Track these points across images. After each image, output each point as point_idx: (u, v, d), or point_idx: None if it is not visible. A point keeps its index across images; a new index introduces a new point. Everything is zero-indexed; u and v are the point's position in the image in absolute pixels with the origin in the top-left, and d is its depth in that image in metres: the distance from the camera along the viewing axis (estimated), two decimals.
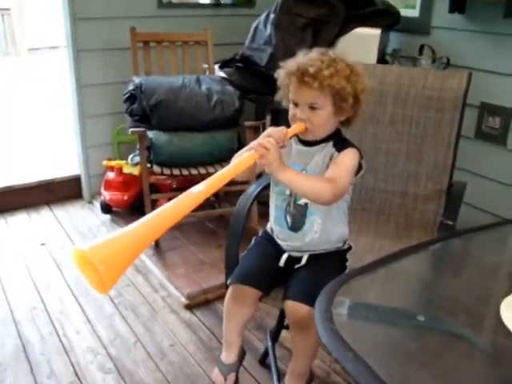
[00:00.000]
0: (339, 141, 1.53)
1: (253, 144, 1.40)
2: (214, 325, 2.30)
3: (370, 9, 3.02)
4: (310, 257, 1.58)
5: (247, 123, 2.90)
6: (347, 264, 1.60)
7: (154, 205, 3.21)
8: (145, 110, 2.80)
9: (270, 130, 1.44)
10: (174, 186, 3.26)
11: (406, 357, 0.91)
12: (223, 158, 2.78)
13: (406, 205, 1.92)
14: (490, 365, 0.93)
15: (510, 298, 1.06)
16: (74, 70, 3.23)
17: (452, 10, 2.82)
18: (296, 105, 1.48)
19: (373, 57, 2.88)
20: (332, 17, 2.93)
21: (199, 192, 1.23)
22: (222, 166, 2.80)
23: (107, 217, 3.29)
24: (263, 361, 2.08)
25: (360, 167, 1.53)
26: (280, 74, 1.51)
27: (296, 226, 1.56)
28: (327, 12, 2.92)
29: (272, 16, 2.96)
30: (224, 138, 2.86)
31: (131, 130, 2.74)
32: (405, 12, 3.14)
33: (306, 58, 1.48)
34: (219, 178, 1.30)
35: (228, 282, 1.62)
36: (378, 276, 1.15)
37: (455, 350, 0.93)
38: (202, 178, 2.90)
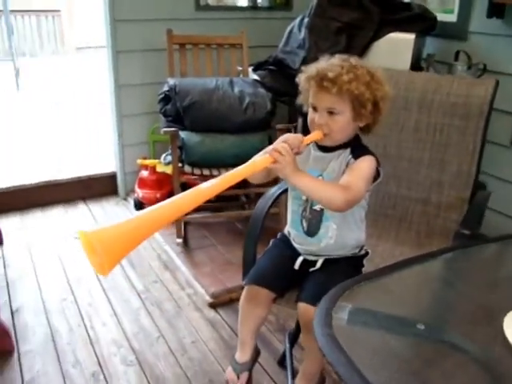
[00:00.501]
0: (356, 148, 1.53)
1: (268, 148, 1.43)
2: (236, 324, 2.30)
3: (405, 13, 3.00)
4: (326, 261, 1.59)
5: (278, 126, 2.92)
6: (363, 270, 1.61)
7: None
8: (178, 110, 2.86)
9: (287, 135, 1.46)
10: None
11: (399, 364, 0.91)
12: None
13: (427, 212, 1.91)
14: (484, 376, 0.93)
15: None
16: (112, 70, 3.33)
17: (490, 14, 2.77)
18: (315, 109, 1.49)
19: (406, 62, 2.86)
20: (366, 21, 2.92)
21: (207, 188, 1.26)
22: None
23: None
24: (282, 362, 2.10)
25: (378, 174, 1.53)
26: (301, 79, 1.53)
27: (311, 230, 1.58)
28: (361, 16, 2.91)
29: (306, 20, 2.98)
30: (255, 140, 2.89)
31: (163, 129, 2.81)
32: (442, 17, 3.10)
33: (327, 63, 1.49)
34: (230, 177, 1.33)
35: (243, 283, 1.65)
36: (385, 283, 1.15)
37: (450, 360, 0.93)
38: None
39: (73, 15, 9.55)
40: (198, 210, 3.43)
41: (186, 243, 3.00)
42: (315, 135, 1.49)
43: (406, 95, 1.96)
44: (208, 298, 2.51)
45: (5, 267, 2.76)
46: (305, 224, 1.59)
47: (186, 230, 3.12)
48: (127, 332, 2.28)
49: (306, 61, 2.90)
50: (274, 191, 1.76)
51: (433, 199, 1.91)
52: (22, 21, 9.10)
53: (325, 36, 2.91)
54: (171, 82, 2.90)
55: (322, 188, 1.43)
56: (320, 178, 1.53)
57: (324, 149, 1.55)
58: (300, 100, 1.57)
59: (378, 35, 2.95)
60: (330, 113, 1.46)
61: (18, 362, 2.07)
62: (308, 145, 1.52)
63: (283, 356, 2.09)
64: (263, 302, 1.62)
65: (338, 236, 1.55)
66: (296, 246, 1.64)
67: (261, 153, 1.49)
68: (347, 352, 0.89)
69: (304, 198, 1.56)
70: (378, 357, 0.93)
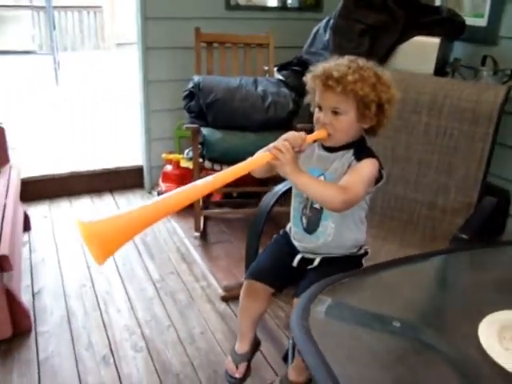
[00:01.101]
0: (360, 149, 1.53)
1: (269, 145, 1.47)
2: None
3: (433, 17, 2.98)
4: (323, 259, 1.62)
5: (298, 125, 2.95)
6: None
7: (209, 199, 3.36)
8: (201, 107, 2.93)
9: (289, 134, 1.48)
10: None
11: (368, 358, 0.94)
12: None
13: (433, 216, 1.91)
14: (452, 376, 0.95)
15: (493, 316, 1.06)
16: (142, 66, 3.42)
17: None
18: (320, 108, 1.50)
19: (430, 66, 2.84)
20: (391, 24, 2.92)
21: (204, 184, 1.31)
22: None
23: None
24: (286, 358, 2.14)
25: (380, 177, 1.54)
26: (307, 78, 1.55)
27: (310, 228, 1.60)
28: (386, 19, 2.92)
29: (332, 21, 3.00)
30: (276, 138, 2.90)
31: (185, 125, 2.88)
32: (472, 21, 3.07)
33: (335, 63, 1.52)
34: (229, 173, 1.37)
35: (243, 278, 1.69)
36: (368, 281, 1.18)
37: (420, 358, 0.95)
38: (249, 175, 2.98)
39: (114, 11, 9.77)
40: (218, 205, 3.50)
41: (204, 237, 3.07)
42: (319, 134, 1.51)
43: (416, 98, 1.97)
44: (220, 292, 2.57)
45: (30, 252, 2.88)
46: (304, 221, 1.62)
47: (205, 224, 3.19)
48: (140, 319, 2.36)
49: None
50: (279, 188, 1.81)
51: (439, 203, 1.91)
52: (64, 16, 9.37)
53: (349, 37, 2.92)
54: (196, 79, 2.97)
55: (321, 187, 1.46)
56: (321, 177, 1.54)
57: (328, 149, 1.56)
58: (307, 99, 1.59)
59: (403, 38, 2.95)
60: (335, 112, 1.47)
61: (35, 342, 2.17)
62: (314, 142, 1.55)
63: (288, 352, 2.13)
64: (261, 296, 1.67)
65: (335, 235, 1.57)
66: (295, 243, 1.67)
67: (262, 149, 1.53)
68: (318, 343, 0.93)
69: (305, 195, 1.59)
70: (348, 350, 0.96)
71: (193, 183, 1.32)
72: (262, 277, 1.65)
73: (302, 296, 1.08)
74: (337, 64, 1.50)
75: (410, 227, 1.96)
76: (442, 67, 2.98)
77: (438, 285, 1.23)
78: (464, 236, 1.52)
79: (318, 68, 1.51)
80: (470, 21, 3.01)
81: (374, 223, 2.04)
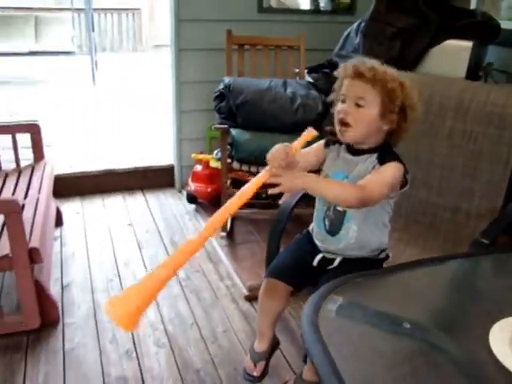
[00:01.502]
0: (384, 153, 1.52)
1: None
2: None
3: (467, 20, 2.95)
4: (343, 260, 1.62)
5: (328, 127, 2.95)
6: None
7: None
8: (231, 108, 2.97)
9: (269, 154, 1.46)
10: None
11: (374, 357, 0.95)
12: None
13: (457, 221, 1.89)
14: (458, 377, 0.94)
15: (506, 320, 1.05)
16: (175, 67, 3.48)
17: None
18: (343, 101, 1.49)
19: (462, 70, 2.81)
20: (423, 27, 2.89)
21: (200, 235, 1.34)
22: None
23: (192, 206, 3.51)
24: (306, 359, 2.15)
25: (406, 182, 1.53)
26: (340, 69, 1.54)
27: (333, 230, 1.61)
28: (418, 22, 2.89)
29: (362, 24, 2.99)
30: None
31: (215, 126, 2.92)
32: (508, 24, 3.03)
33: (366, 60, 1.53)
34: (227, 208, 1.43)
35: (263, 276, 1.71)
36: (383, 282, 1.18)
37: (428, 358, 0.95)
38: None
39: (153, 13, 9.94)
40: (247, 205, 3.53)
41: (231, 237, 3.10)
42: (306, 136, 1.54)
43: (441, 101, 1.95)
44: (245, 291, 2.59)
45: (61, 246, 2.96)
46: (327, 223, 1.62)
47: (233, 224, 3.22)
48: (164, 316, 2.39)
49: None
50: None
51: (463, 208, 1.89)
52: (104, 18, 9.58)
53: (379, 41, 2.91)
54: (226, 80, 3.01)
55: (337, 188, 1.46)
56: (346, 180, 1.54)
57: (353, 152, 1.57)
58: (332, 97, 1.59)
59: (435, 42, 2.92)
60: (358, 105, 1.47)
61: (62, 333, 2.24)
62: (305, 147, 1.57)
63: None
64: (280, 295, 1.68)
65: (358, 238, 1.57)
66: (317, 243, 1.68)
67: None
68: (325, 340, 0.94)
69: None
70: (355, 348, 0.97)
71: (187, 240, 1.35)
72: (282, 275, 1.66)
73: (314, 294, 1.09)
74: (371, 60, 1.52)
75: (433, 232, 1.94)
76: (475, 71, 2.94)
77: (453, 288, 1.22)
78: (485, 240, 1.51)
79: (352, 60, 1.53)
80: (505, 24, 2.97)
81: (398, 227, 2.03)
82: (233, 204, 1.42)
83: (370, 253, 1.63)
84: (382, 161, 1.50)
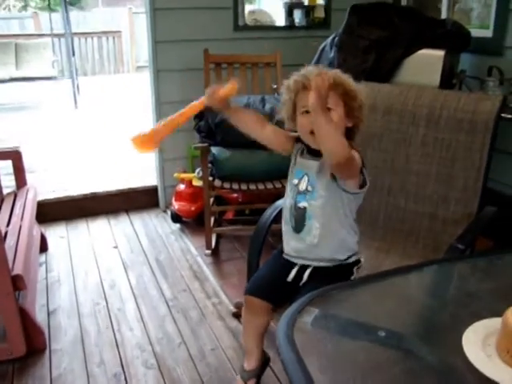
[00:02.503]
0: None
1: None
2: None
3: (439, 30, 3.01)
4: (313, 272, 1.65)
5: None
6: (352, 278, 1.64)
7: (221, 216, 3.40)
8: (210, 127, 2.99)
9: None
10: (240, 199, 3.41)
11: (349, 366, 0.96)
12: (281, 176, 2.89)
13: (434, 227, 1.92)
14: (433, 382, 0.96)
15: (479, 323, 1.07)
16: (154, 88, 3.50)
17: None
18: (307, 112, 1.52)
19: (436, 79, 2.86)
20: (396, 39, 2.95)
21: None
22: (281, 183, 2.92)
23: (177, 226, 3.52)
24: None
25: (364, 179, 1.56)
26: (287, 85, 1.60)
27: (298, 227, 1.65)
28: (391, 34, 2.95)
29: (336, 38, 3.05)
30: (283, 156, 2.96)
31: (194, 145, 2.94)
32: (478, 32, 3.10)
33: (313, 68, 1.58)
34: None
35: (243, 294, 1.73)
36: (358, 292, 1.20)
37: (404, 365, 0.97)
38: (260, 192, 3.01)
39: (134, 35, 9.99)
40: (231, 222, 3.53)
41: (216, 255, 3.11)
42: (228, 87, 1.65)
43: (413, 110, 2.00)
44: (232, 308, 2.59)
45: (47, 272, 2.95)
46: (293, 220, 1.66)
47: (218, 242, 3.23)
48: (151, 337, 2.39)
49: None
50: (278, 204, 1.85)
51: (439, 214, 1.92)
52: (84, 42, 9.61)
53: (354, 54, 2.96)
54: None
55: (338, 134, 1.44)
56: (305, 176, 1.61)
57: (314, 154, 1.60)
58: (282, 114, 1.63)
59: (408, 52, 2.98)
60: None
61: (49, 359, 2.23)
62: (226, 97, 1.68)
63: None
64: (261, 312, 1.71)
65: (321, 236, 1.61)
66: (286, 247, 1.71)
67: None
68: (300, 352, 0.95)
69: (291, 194, 1.64)
70: (330, 359, 0.98)
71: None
72: (259, 293, 1.69)
73: (290, 307, 1.11)
74: (317, 67, 1.57)
75: (412, 239, 1.97)
76: (449, 79, 2.99)
77: (427, 294, 1.24)
78: (460, 246, 1.53)
79: (294, 77, 1.58)
80: (475, 32, 3.04)
81: (378, 236, 2.06)
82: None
83: (338, 254, 1.64)
84: None
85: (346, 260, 1.66)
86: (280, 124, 2.93)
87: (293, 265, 1.69)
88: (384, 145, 1.98)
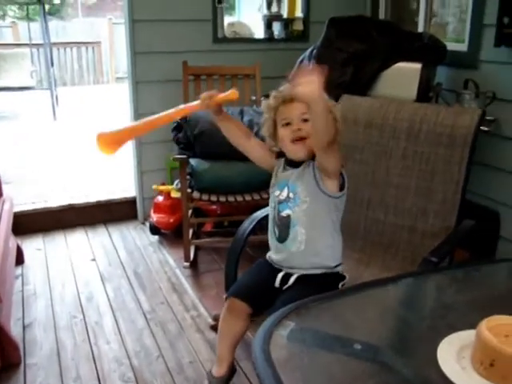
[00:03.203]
0: None
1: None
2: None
3: (416, 44, 3.05)
4: (299, 278, 1.66)
5: None
6: None
7: (200, 228, 3.39)
8: (189, 139, 2.99)
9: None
10: (219, 211, 3.41)
11: (324, 380, 0.96)
12: (260, 188, 2.90)
13: (413, 240, 1.94)
14: None
15: (454, 336, 1.08)
16: (133, 99, 3.49)
17: (498, 43, 2.79)
18: (287, 124, 1.60)
19: (413, 91, 2.90)
20: (374, 52, 2.99)
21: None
22: (259, 195, 2.92)
23: (155, 238, 3.50)
24: None
25: (343, 183, 1.61)
26: (267, 102, 1.65)
27: (282, 236, 1.67)
28: (369, 47, 2.98)
29: (315, 51, 3.07)
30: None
31: (173, 157, 2.94)
32: (454, 46, 3.15)
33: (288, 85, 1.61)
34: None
35: (224, 297, 1.76)
36: (334, 305, 1.20)
37: (379, 379, 0.97)
38: (239, 204, 3.00)
39: (113, 46, 9.96)
40: (209, 234, 3.52)
41: (195, 267, 3.09)
42: (228, 94, 1.69)
43: (394, 124, 2.02)
44: (210, 321, 2.57)
45: (23, 285, 2.91)
46: (277, 230, 1.69)
47: (196, 254, 3.21)
48: (129, 350, 2.36)
49: None
50: (256, 214, 1.87)
51: (418, 227, 1.94)
52: (63, 52, 9.55)
53: (332, 66, 2.98)
54: None
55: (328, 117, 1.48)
56: (286, 187, 1.65)
57: (293, 165, 1.66)
58: (263, 132, 1.68)
59: (385, 65, 3.01)
60: (304, 120, 1.57)
61: (23, 374, 2.19)
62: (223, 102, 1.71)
63: None
64: (240, 315, 1.72)
65: (308, 242, 1.63)
66: (273, 258, 1.73)
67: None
68: (276, 366, 0.95)
69: (273, 204, 1.66)
70: (306, 372, 0.98)
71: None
72: (242, 295, 1.71)
73: (266, 320, 1.11)
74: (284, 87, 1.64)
75: (391, 251, 1.99)
76: (426, 92, 3.03)
77: (403, 307, 1.25)
78: (433, 259, 1.55)
79: (272, 95, 1.66)
80: (451, 46, 3.09)
81: (357, 248, 2.07)
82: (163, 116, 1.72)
83: (325, 261, 1.66)
84: None
85: (334, 268, 1.68)
86: (259, 135, 2.96)
87: (279, 270, 1.71)
88: (365, 157, 2.00)
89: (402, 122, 2.01)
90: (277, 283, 1.70)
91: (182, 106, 1.77)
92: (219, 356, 1.79)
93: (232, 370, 1.83)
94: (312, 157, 1.62)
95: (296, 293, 1.62)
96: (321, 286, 1.62)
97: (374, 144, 2.09)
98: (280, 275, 1.69)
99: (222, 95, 1.66)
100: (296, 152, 1.63)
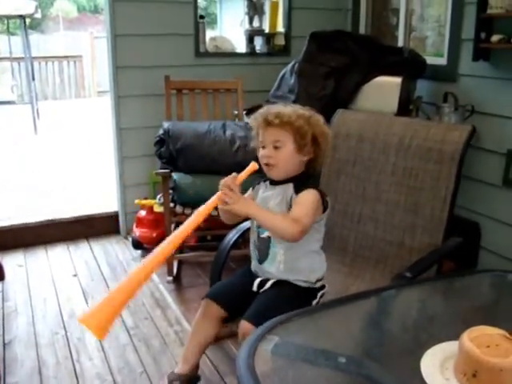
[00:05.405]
0: (299, 183, 1.66)
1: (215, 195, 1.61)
2: (220, 361, 2.36)
3: (395, 58, 3.10)
4: (275, 283, 1.69)
5: None
6: (314, 302, 1.67)
7: (183, 243, 3.37)
8: (172, 153, 2.98)
9: (222, 181, 1.65)
10: (202, 225, 3.39)
11: None
12: None
13: (401, 255, 1.95)
14: None
15: (437, 347, 1.09)
16: (115, 113, 3.48)
17: (476, 57, 2.84)
18: (263, 147, 1.66)
19: (394, 105, 2.94)
20: (354, 66, 3.02)
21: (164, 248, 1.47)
22: None
23: (138, 252, 3.47)
24: None
25: (326, 206, 1.66)
26: (251, 120, 1.71)
27: (262, 257, 1.71)
28: (349, 61, 3.02)
29: (296, 65, 3.10)
30: (246, 181, 2.98)
31: (156, 171, 2.93)
32: (433, 60, 3.20)
33: (275, 106, 1.69)
34: (185, 228, 1.55)
35: (202, 297, 1.79)
36: (317, 318, 1.20)
37: None
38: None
39: (95, 60, 9.95)
40: (193, 249, 3.51)
41: (178, 281, 3.07)
42: (251, 167, 1.70)
43: (385, 139, 2.04)
44: None
45: (3, 301, 2.86)
46: (257, 252, 1.73)
47: (180, 268, 3.20)
48: (112, 367, 2.33)
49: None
50: (240, 227, 1.88)
51: (406, 243, 1.96)
52: (45, 66, 9.51)
53: (314, 81, 3.02)
54: (165, 125, 3.03)
55: (277, 220, 1.57)
56: (266, 207, 1.67)
57: (275, 183, 1.71)
58: (255, 145, 1.73)
59: (366, 79, 3.05)
60: (276, 147, 1.62)
61: None
62: (248, 177, 1.70)
63: None
64: (215, 319, 1.75)
65: (287, 262, 1.66)
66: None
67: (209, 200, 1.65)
68: (261, 380, 0.95)
69: (255, 227, 1.71)
70: None
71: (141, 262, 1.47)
72: (218, 298, 1.74)
73: (250, 335, 1.11)
74: (276, 106, 1.69)
75: (380, 266, 2.00)
76: (406, 105, 3.07)
77: (388, 319, 1.25)
78: (408, 274, 1.55)
79: (260, 111, 1.69)
80: (431, 60, 3.14)
81: (347, 262, 2.08)
82: (190, 224, 1.58)
83: (305, 277, 1.69)
84: (297, 191, 1.64)
85: (314, 284, 1.70)
86: (241, 149, 2.97)
87: (257, 276, 1.75)
88: (357, 171, 2.02)
89: (393, 137, 2.03)
90: (254, 287, 1.73)
91: (200, 209, 1.66)
92: (184, 354, 1.84)
93: (196, 376, 1.84)
94: (291, 179, 1.67)
95: (272, 293, 1.66)
96: (297, 292, 1.65)
97: (366, 159, 2.11)
98: (258, 279, 1.73)
99: (243, 173, 1.69)
100: (269, 174, 1.71)
